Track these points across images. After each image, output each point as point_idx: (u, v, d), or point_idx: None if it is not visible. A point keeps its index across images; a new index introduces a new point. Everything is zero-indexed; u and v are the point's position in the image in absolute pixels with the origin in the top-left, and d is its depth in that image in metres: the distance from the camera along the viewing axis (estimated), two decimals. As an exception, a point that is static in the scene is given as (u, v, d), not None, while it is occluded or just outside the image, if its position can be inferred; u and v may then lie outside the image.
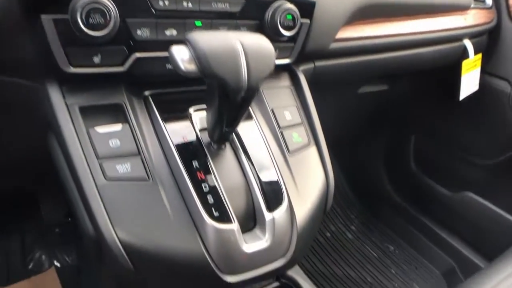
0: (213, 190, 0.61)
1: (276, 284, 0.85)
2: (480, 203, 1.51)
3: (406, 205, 1.78)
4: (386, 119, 1.77)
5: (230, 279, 0.61)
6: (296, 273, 0.84)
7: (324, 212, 0.75)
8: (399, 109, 1.68)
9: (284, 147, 0.72)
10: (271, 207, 0.65)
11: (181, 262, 0.59)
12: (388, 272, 1.60)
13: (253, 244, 0.62)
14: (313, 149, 0.76)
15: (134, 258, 0.57)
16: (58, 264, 1.46)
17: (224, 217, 0.60)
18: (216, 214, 0.60)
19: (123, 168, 0.58)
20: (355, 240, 1.72)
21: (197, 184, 0.61)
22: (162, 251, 0.58)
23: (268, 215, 0.64)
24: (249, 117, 0.73)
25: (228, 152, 0.67)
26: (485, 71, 1.37)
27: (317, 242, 1.67)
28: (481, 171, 1.52)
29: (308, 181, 0.72)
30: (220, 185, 0.63)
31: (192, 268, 0.59)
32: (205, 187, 0.61)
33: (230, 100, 0.54)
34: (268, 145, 0.71)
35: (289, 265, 0.67)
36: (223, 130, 0.61)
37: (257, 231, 0.65)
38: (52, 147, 0.65)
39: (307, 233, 0.69)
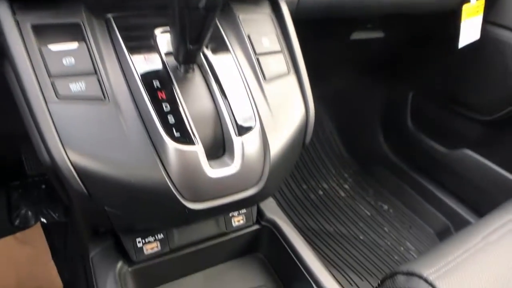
0: (175, 110, 0.56)
1: (256, 226, 0.82)
2: (477, 160, 1.46)
3: (401, 164, 1.74)
4: (383, 74, 1.70)
5: (194, 206, 0.57)
6: (276, 215, 0.81)
7: (303, 145, 0.70)
8: (396, 62, 1.61)
9: (259, 74, 0.67)
10: (241, 132, 0.60)
11: (139, 187, 0.54)
12: (381, 230, 1.57)
13: (220, 169, 0.58)
14: (292, 78, 0.70)
15: (88, 183, 0.53)
16: (44, 220, 1.44)
17: (186, 138, 0.55)
18: (177, 134, 0.55)
19: (77, 86, 0.54)
20: (348, 198, 1.68)
21: (157, 103, 0.56)
22: (118, 174, 0.53)
23: (236, 139, 0.59)
24: (222, 42, 0.67)
25: (196, 76, 0.62)
26: (487, 20, 1.29)
27: (308, 200, 1.63)
28: (480, 127, 1.46)
29: (285, 110, 0.67)
30: (184, 106, 0.58)
31: (152, 194, 0.55)
32: (165, 106, 0.56)
33: (191, 9, 0.49)
34: (242, 71, 0.65)
35: (261, 195, 0.63)
36: (187, 48, 0.55)
37: (225, 158, 0.60)
38: (8, 74, 0.60)
39: (282, 164, 0.65)
